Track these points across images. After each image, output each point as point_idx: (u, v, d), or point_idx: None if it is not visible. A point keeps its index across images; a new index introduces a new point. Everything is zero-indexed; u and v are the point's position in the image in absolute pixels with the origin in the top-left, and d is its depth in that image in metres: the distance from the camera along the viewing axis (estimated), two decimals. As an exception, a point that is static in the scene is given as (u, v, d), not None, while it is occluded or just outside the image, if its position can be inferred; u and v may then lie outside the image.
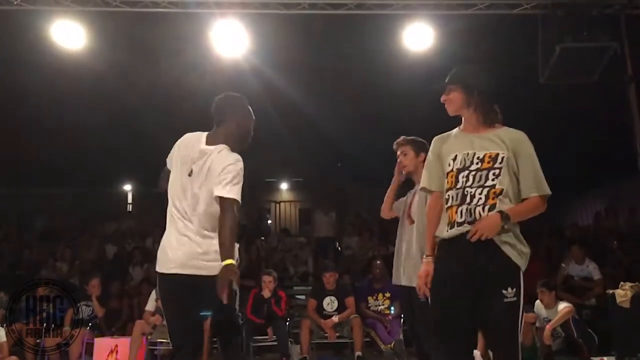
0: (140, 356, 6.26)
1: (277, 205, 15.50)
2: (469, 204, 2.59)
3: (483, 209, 2.56)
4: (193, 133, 3.04)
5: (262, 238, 11.50)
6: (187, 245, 2.81)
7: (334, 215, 11.05)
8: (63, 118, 9.29)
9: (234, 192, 2.76)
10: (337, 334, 6.63)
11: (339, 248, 11.25)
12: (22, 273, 9.08)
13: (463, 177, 2.63)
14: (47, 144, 10.33)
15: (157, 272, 2.91)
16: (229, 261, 2.65)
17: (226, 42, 6.84)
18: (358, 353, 6.32)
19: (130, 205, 15.51)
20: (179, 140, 3.05)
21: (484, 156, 2.63)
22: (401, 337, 6.32)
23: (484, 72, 2.79)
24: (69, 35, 6.66)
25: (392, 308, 6.72)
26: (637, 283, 5.99)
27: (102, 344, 6.46)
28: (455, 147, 2.72)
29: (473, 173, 2.62)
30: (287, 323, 6.84)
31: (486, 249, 2.53)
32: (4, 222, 11.70)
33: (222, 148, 2.89)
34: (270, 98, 8.74)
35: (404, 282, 3.70)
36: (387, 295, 6.83)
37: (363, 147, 11.34)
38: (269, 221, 15.25)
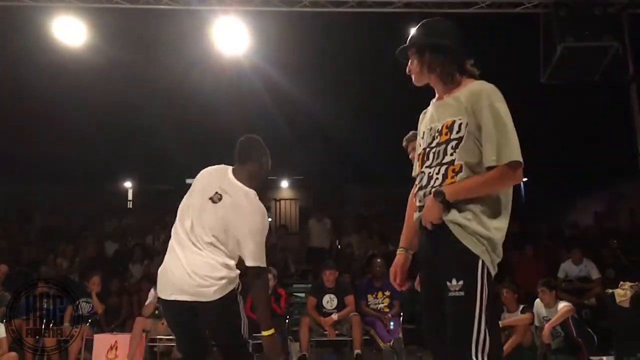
0: (140, 353, 6.27)
1: (278, 203, 15.52)
2: (425, 187, 2.20)
3: (427, 191, 2.18)
4: (215, 166, 3.10)
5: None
6: (193, 271, 2.80)
7: (329, 222, 10.90)
8: (64, 115, 9.31)
9: (264, 260, 2.85)
10: (337, 332, 6.63)
11: (339, 246, 11.25)
12: (23, 270, 9.08)
13: (426, 156, 2.24)
14: (47, 141, 10.34)
15: (159, 297, 2.93)
16: (270, 331, 2.81)
17: (227, 40, 6.85)
18: (357, 351, 6.32)
19: (131, 202, 15.52)
20: (200, 173, 3.09)
21: (442, 127, 2.18)
22: (400, 335, 6.32)
23: (440, 24, 2.32)
24: (70, 32, 6.67)
25: (391, 307, 6.73)
26: (636, 283, 5.99)
27: (102, 340, 6.47)
28: (424, 123, 2.33)
29: (433, 150, 2.20)
30: (287, 321, 6.84)
31: (436, 233, 2.13)
32: (4, 218, 11.71)
33: (252, 193, 2.93)
34: (271, 95, 8.76)
35: None
36: (387, 293, 6.83)
37: (364, 146, 11.36)
38: (269, 219, 15.25)
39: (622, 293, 5.91)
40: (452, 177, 2.10)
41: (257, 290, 2.87)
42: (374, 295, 6.85)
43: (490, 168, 2.05)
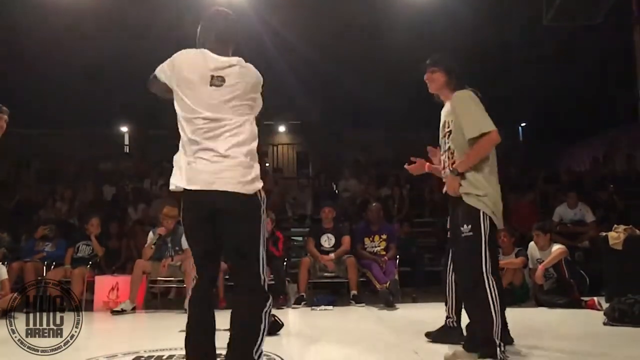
0: (141, 294, 6.40)
1: (275, 147, 15.49)
2: (443, 169, 3.34)
3: (448, 171, 3.20)
4: (190, 50, 2.67)
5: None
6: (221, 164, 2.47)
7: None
8: (60, 59, 9.15)
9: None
10: (333, 274, 6.76)
11: (336, 191, 11.30)
12: (22, 213, 9.13)
13: (440, 146, 3.41)
14: (43, 85, 10.21)
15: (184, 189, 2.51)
16: None
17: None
18: (354, 292, 6.46)
19: (127, 147, 15.47)
20: (178, 60, 2.62)
21: (442, 125, 3.33)
22: (396, 277, 6.44)
23: (453, 58, 3.37)
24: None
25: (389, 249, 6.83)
26: (630, 226, 6.06)
27: (103, 282, 6.59)
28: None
29: (441, 142, 3.37)
30: (285, 263, 6.95)
31: (456, 200, 3.15)
32: (2, 162, 11.68)
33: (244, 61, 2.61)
34: (268, 40, 8.57)
35: None
36: (384, 237, 6.92)
37: (362, 91, 11.23)
38: (267, 164, 15.28)
39: (616, 236, 5.98)
40: (451, 158, 3.19)
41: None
42: (371, 239, 6.93)
43: (472, 141, 3.06)
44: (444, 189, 3.26)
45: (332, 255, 6.71)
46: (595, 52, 9.22)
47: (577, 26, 7.21)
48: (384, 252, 6.80)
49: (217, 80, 2.55)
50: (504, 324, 3.41)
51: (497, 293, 2.97)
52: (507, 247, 6.21)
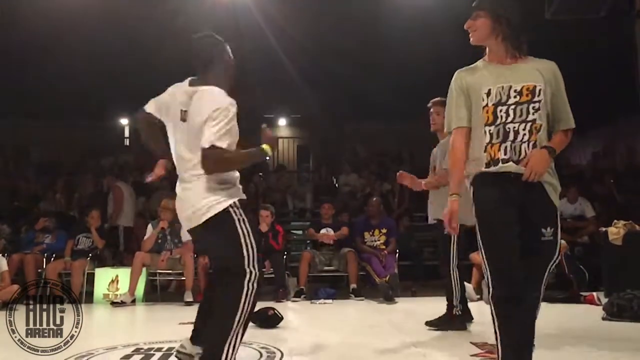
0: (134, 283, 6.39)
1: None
2: (513, 141, 2.45)
3: (528, 145, 2.43)
4: (174, 86, 2.85)
5: (260, 174, 11.53)
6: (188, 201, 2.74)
7: None
8: (61, 50, 9.10)
9: (225, 142, 2.59)
10: (333, 267, 6.79)
11: (336, 185, 11.30)
12: (21, 205, 9.14)
13: (502, 112, 2.47)
14: (43, 77, 10.17)
15: None
16: (266, 147, 2.79)
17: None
18: (353, 285, 6.47)
19: (127, 140, 15.44)
20: (162, 97, 2.88)
21: (522, 89, 2.48)
22: (396, 271, 6.45)
23: (513, 0, 2.60)
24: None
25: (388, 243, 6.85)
26: (630, 221, 6.06)
27: (103, 275, 6.60)
28: (488, 80, 2.53)
29: (512, 107, 2.47)
30: (285, 257, 6.96)
31: (533, 189, 2.44)
32: (1, 154, 11.68)
33: (215, 88, 2.69)
34: (268, 33, 8.54)
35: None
36: (384, 231, 6.93)
37: (363, 84, 11.19)
38: (267, 157, 15.22)
39: (616, 231, 5.98)
40: (535, 134, 2.45)
41: (208, 168, 2.60)
42: (371, 233, 6.94)
43: (565, 131, 2.53)
44: (499, 166, 2.48)
45: (330, 232, 6.85)
46: (597, 46, 9.18)
47: (579, 20, 7.18)
48: (384, 247, 6.82)
49: (184, 115, 2.73)
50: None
51: None
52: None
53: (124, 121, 15.36)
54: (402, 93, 10.87)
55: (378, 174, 11.09)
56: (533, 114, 2.45)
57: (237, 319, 2.55)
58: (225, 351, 2.53)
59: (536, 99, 2.46)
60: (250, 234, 2.68)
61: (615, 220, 6.17)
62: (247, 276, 2.61)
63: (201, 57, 2.79)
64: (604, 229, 6.22)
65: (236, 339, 2.57)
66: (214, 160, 2.58)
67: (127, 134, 15.51)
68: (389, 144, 13.53)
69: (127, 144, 14.93)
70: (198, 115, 2.62)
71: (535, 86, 2.47)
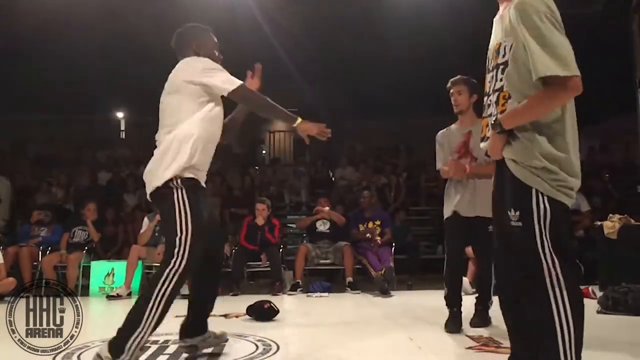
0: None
1: (272, 135, 15.43)
2: (489, 116, 2.11)
3: (495, 120, 2.02)
4: None
5: (257, 167, 11.52)
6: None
7: None
8: (57, 44, 9.08)
9: (235, 81, 2.72)
10: (329, 261, 6.79)
11: (333, 179, 11.30)
12: (17, 198, 9.10)
13: (487, 81, 2.13)
14: (40, 71, 10.13)
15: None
16: (298, 120, 2.72)
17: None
18: (349, 279, 6.48)
19: (123, 133, 15.40)
20: None
21: (493, 49, 2.08)
22: (391, 264, 6.46)
23: None
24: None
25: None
26: (625, 215, 6.07)
27: (99, 268, 6.59)
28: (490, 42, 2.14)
29: (490, 74, 2.09)
30: (281, 250, 6.97)
31: (500, 166, 2.10)
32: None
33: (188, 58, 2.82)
34: (267, 26, 8.51)
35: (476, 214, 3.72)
36: (377, 222, 6.97)
37: (360, 78, 11.18)
38: (264, 151, 15.25)
39: (611, 225, 5.99)
40: (503, 105, 2.00)
41: (253, 105, 2.81)
42: (365, 225, 6.96)
43: (538, 83, 1.90)
44: (482, 145, 2.18)
45: (326, 208, 7.00)
46: (594, 40, 9.19)
47: (576, 14, 7.17)
48: (379, 237, 6.84)
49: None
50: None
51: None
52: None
53: (120, 114, 15.32)
54: (399, 88, 10.88)
55: (375, 167, 11.09)
56: (501, 79, 2.03)
57: (148, 308, 2.48)
58: (127, 346, 2.48)
59: (501, 60, 2.03)
60: (188, 217, 2.55)
61: (611, 215, 6.19)
62: (170, 264, 2.52)
63: (176, 46, 2.92)
64: (599, 223, 6.24)
65: (142, 334, 2.49)
66: (248, 95, 2.72)
67: (123, 127, 15.48)
68: (386, 139, 13.54)
69: (123, 137, 14.90)
70: (175, 76, 2.74)
71: (500, 43, 2.04)
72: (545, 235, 1.94)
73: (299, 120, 2.70)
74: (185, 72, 2.73)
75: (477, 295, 4.03)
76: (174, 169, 2.62)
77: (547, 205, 1.94)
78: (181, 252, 2.53)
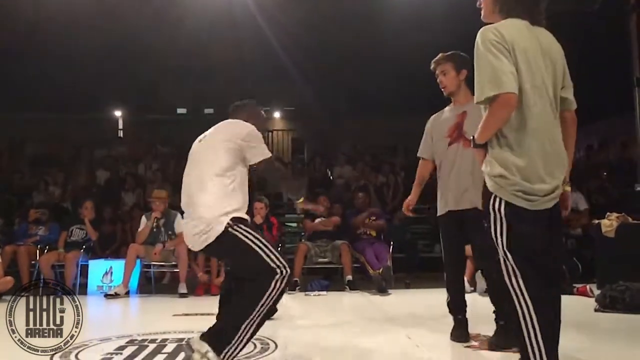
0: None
1: (270, 133, 15.42)
2: None
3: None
4: None
5: (254, 166, 11.48)
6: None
7: None
8: (55, 42, 9.06)
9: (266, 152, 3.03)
10: (327, 259, 6.80)
11: (331, 178, 11.30)
12: (15, 197, 9.09)
13: None
14: (37, 69, 10.12)
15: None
16: (300, 200, 3.33)
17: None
18: (348, 277, 6.49)
19: (121, 132, 15.37)
20: None
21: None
22: (389, 263, 6.46)
23: None
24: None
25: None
26: (622, 214, 6.08)
27: (97, 266, 6.59)
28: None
29: None
30: (279, 249, 6.96)
31: None
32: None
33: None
34: (266, 26, 8.51)
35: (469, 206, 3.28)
36: (373, 218, 7.05)
37: (358, 76, 11.18)
38: (294, 200, 15.17)
39: (609, 224, 6.00)
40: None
41: (271, 178, 3.33)
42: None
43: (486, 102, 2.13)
44: None
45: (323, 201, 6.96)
46: (591, 40, 9.20)
47: (573, 13, 7.18)
48: (375, 233, 6.89)
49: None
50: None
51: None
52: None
53: (118, 113, 15.30)
54: (398, 87, 10.88)
55: (372, 166, 11.09)
56: None
57: (256, 309, 2.63)
58: (236, 337, 2.59)
59: None
60: (259, 238, 2.74)
61: (608, 213, 6.19)
62: (277, 275, 2.66)
63: (232, 112, 3.21)
64: (596, 221, 6.25)
65: (250, 329, 2.63)
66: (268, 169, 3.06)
67: (121, 126, 15.45)
68: (384, 138, 13.54)
69: (121, 135, 14.87)
70: (218, 134, 2.96)
71: None
72: (502, 240, 2.11)
73: (302, 199, 3.26)
74: (230, 132, 2.96)
75: (494, 309, 3.37)
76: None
77: (502, 210, 2.11)
78: (277, 261, 2.69)
